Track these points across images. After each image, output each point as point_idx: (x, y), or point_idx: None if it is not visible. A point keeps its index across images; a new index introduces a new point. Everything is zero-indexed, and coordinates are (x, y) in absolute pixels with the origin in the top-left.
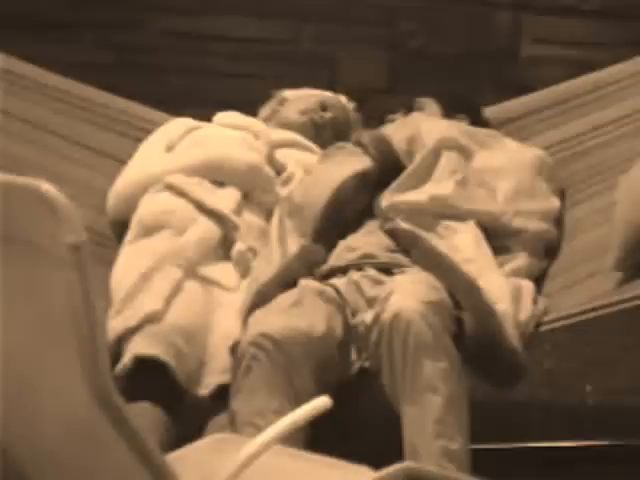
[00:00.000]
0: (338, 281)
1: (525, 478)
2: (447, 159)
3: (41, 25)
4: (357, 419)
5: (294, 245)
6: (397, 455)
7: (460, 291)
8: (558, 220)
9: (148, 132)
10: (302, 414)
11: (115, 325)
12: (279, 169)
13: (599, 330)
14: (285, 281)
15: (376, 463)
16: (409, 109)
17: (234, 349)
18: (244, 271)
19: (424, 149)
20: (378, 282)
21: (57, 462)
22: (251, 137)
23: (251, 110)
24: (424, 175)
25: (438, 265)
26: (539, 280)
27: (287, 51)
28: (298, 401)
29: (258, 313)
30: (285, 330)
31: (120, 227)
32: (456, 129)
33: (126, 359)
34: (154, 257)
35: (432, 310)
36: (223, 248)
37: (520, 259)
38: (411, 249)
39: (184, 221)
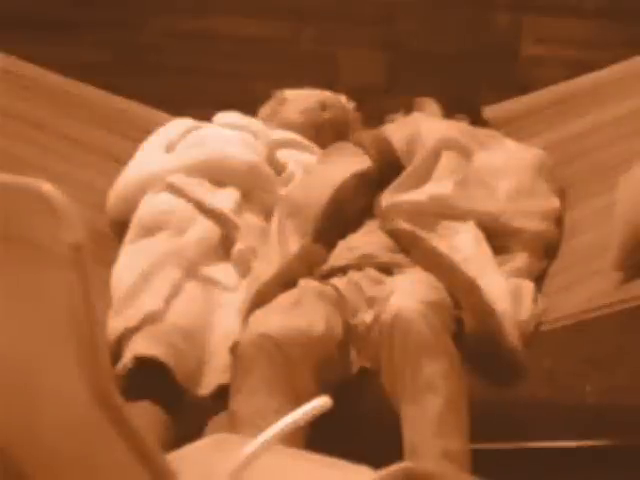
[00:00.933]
0: (338, 281)
1: (525, 478)
2: (447, 159)
3: (41, 25)
4: (357, 419)
5: (294, 245)
6: (397, 455)
7: (460, 291)
8: (558, 220)
9: (148, 132)
10: (302, 414)
11: (115, 325)
12: (279, 169)
13: (599, 330)
14: (285, 281)
15: (376, 463)
16: (409, 109)
17: (234, 349)
18: (244, 271)
19: (424, 149)
20: (378, 282)
21: (56, 462)
22: (251, 137)
23: (251, 110)
24: (424, 175)
25: (438, 265)
26: (539, 280)
27: (287, 51)
28: (298, 401)
29: (258, 313)
30: (285, 330)
31: (120, 227)
32: (456, 129)
33: (126, 359)
34: (154, 257)
35: (432, 310)
36: (223, 248)
37: (520, 259)
38: (411, 249)
39: (184, 221)
